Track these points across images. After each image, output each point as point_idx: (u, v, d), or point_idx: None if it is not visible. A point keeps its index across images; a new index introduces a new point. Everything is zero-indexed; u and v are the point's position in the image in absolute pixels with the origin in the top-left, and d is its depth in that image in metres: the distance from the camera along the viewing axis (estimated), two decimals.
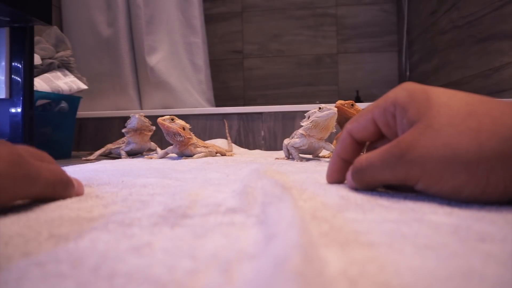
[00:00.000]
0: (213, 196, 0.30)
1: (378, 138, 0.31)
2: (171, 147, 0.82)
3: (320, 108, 0.66)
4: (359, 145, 0.32)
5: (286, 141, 0.74)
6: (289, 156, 0.75)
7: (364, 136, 0.31)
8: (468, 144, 0.23)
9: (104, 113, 1.39)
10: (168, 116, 0.78)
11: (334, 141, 0.78)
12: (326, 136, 0.69)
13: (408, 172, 0.25)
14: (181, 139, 0.78)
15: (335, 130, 0.69)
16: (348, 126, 0.32)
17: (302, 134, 0.68)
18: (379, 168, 0.27)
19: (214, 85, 1.66)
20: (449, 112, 0.24)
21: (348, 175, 0.31)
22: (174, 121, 0.79)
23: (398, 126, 0.27)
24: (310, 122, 0.66)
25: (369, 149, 0.32)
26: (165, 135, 0.79)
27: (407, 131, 0.26)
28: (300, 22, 2.03)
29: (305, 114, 0.70)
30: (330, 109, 0.64)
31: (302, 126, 0.69)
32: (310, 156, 0.77)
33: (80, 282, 0.13)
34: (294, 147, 0.70)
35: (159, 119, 0.77)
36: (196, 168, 0.55)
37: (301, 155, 0.71)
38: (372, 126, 0.30)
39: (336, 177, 0.34)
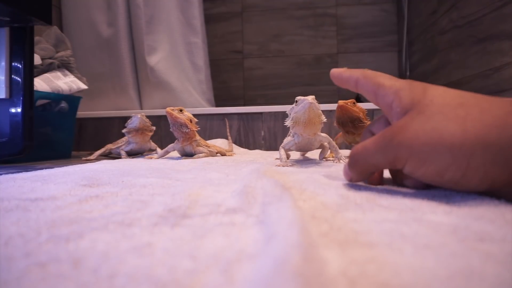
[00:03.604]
0: (213, 196, 0.30)
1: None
2: (172, 144, 0.82)
3: (296, 101, 0.58)
4: None
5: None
6: (289, 156, 0.75)
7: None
8: (454, 129, 0.24)
9: (104, 113, 1.39)
10: (177, 107, 0.79)
11: (334, 141, 0.77)
12: (318, 129, 0.60)
13: (397, 153, 0.26)
14: (187, 130, 0.78)
15: (325, 119, 0.60)
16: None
17: (296, 133, 0.62)
18: (372, 152, 0.28)
19: (214, 85, 1.66)
20: (442, 102, 0.26)
21: (345, 166, 0.33)
22: (183, 112, 0.79)
23: (393, 114, 0.29)
24: (291, 120, 0.59)
25: (366, 132, 0.34)
26: (171, 126, 0.79)
27: (402, 118, 0.27)
28: (300, 22, 2.03)
29: (286, 113, 0.63)
30: (305, 99, 0.56)
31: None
32: (302, 158, 0.77)
33: (80, 283, 0.13)
34: (285, 148, 0.64)
35: (168, 109, 0.77)
36: (196, 168, 0.55)
37: (299, 152, 0.69)
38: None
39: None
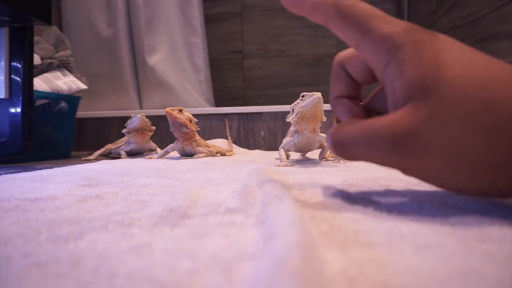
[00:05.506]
0: (213, 196, 0.30)
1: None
2: (171, 144, 0.82)
3: (302, 96, 0.58)
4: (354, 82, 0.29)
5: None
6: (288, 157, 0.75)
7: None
8: (479, 147, 0.19)
9: (104, 113, 1.39)
10: (176, 108, 0.79)
11: None
12: (319, 126, 0.61)
13: (402, 163, 0.21)
14: (186, 130, 0.78)
15: (325, 119, 0.61)
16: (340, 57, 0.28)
17: (296, 131, 0.61)
18: (364, 148, 0.22)
19: (214, 85, 1.66)
20: (462, 97, 0.19)
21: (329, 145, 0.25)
22: (182, 113, 0.79)
23: (386, 83, 0.22)
24: (296, 115, 0.58)
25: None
26: (170, 126, 0.79)
27: (402, 109, 0.20)
28: (300, 22, 2.03)
29: (288, 109, 0.63)
30: (313, 94, 0.57)
31: (290, 122, 0.62)
32: (302, 158, 0.77)
33: (80, 283, 0.13)
34: (284, 149, 0.63)
35: (168, 109, 0.77)
36: (196, 168, 0.55)
37: (299, 153, 0.70)
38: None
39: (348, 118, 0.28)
